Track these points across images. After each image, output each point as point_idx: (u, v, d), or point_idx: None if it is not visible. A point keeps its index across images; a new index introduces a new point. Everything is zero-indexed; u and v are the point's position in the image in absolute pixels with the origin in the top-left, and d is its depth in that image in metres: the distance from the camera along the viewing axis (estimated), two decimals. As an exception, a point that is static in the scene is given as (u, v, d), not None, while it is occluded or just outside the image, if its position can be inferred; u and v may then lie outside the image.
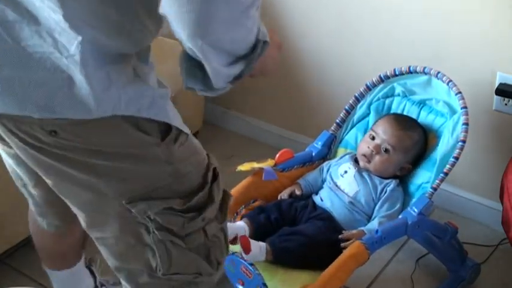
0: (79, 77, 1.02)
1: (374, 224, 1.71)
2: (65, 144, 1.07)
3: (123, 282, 1.28)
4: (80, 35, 1.00)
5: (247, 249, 1.55)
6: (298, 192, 1.82)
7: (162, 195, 1.14)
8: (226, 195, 1.24)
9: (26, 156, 1.13)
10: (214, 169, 1.21)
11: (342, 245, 1.63)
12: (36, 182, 1.34)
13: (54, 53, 1.01)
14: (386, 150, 1.79)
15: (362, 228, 1.70)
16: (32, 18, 1.01)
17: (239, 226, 1.66)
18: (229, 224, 1.61)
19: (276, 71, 1.26)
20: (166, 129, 1.12)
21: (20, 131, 1.08)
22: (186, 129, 1.17)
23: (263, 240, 1.63)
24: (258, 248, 1.59)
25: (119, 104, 1.05)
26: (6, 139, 1.14)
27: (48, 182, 1.18)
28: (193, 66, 1.08)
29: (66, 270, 1.68)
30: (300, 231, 1.66)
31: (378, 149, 1.79)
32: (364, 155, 1.80)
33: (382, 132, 1.81)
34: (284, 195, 1.82)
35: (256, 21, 1.05)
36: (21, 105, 1.04)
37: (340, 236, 1.66)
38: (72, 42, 1.00)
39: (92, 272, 1.79)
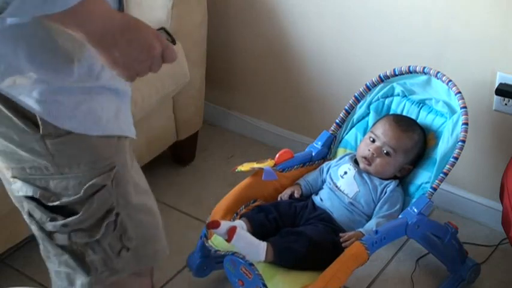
0: None
1: (372, 225, 1.71)
2: None
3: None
4: None
5: (230, 235, 1.55)
6: (297, 195, 1.82)
7: (36, 183, 1.14)
8: (108, 214, 1.19)
9: None
10: (102, 186, 1.15)
11: (344, 244, 1.63)
12: None
13: None
14: (387, 153, 1.79)
15: (360, 229, 1.70)
16: None
17: (237, 223, 1.65)
18: (227, 222, 1.62)
19: (127, 74, 1.05)
20: (43, 124, 1.08)
21: None
22: (96, 131, 1.11)
23: (263, 239, 1.62)
24: (257, 245, 1.59)
25: None
26: None
27: None
28: None
29: None
30: (301, 233, 1.66)
31: (378, 152, 1.79)
32: (365, 158, 1.80)
33: (382, 134, 1.80)
34: (284, 196, 1.82)
35: None
36: None
37: (341, 240, 1.66)
38: None
39: None
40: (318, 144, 1.93)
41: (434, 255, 1.89)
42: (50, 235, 1.19)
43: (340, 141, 1.95)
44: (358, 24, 2.12)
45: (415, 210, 1.68)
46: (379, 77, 1.91)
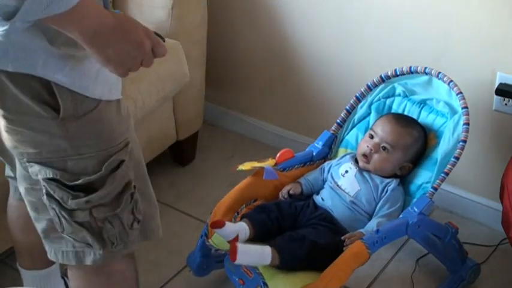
0: None
1: (372, 225, 1.71)
2: None
3: (41, 237, 1.35)
4: None
5: (233, 254, 1.53)
6: (294, 191, 1.81)
7: (55, 165, 1.19)
8: (127, 187, 1.26)
9: None
10: (121, 161, 1.23)
11: (345, 244, 1.63)
12: None
13: None
14: (384, 148, 1.79)
15: (361, 230, 1.70)
16: None
17: (240, 227, 1.65)
18: (230, 224, 1.62)
19: (121, 70, 1.10)
20: (71, 102, 1.14)
21: None
22: (114, 95, 1.19)
23: (265, 239, 1.62)
24: (261, 252, 1.58)
25: (6, 54, 1.05)
26: None
27: None
28: None
29: (36, 271, 1.71)
30: (304, 238, 1.64)
31: (376, 148, 1.80)
32: (364, 155, 1.80)
33: (381, 130, 1.81)
34: (283, 191, 1.82)
35: None
36: None
37: (344, 244, 1.65)
38: None
39: (66, 285, 1.80)
40: (318, 144, 1.93)
41: (434, 255, 1.89)
42: (70, 213, 1.23)
43: (341, 141, 1.95)
44: (359, 24, 2.13)
45: (416, 210, 1.68)
46: (380, 77, 1.91)
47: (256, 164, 1.80)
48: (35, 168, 1.20)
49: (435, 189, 1.71)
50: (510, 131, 1.97)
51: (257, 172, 1.80)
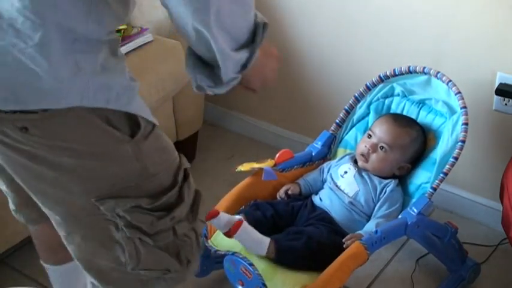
0: (45, 66, 1.01)
1: (371, 226, 1.71)
2: (35, 141, 1.07)
3: (93, 281, 1.28)
4: (45, 20, 0.99)
5: (233, 231, 1.54)
6: (293, 191, 1.81)
7: (131, 193, 1.14)
8: (197, 195, 1.24)
9: None
10: (186, 169, 1.22)
11: (345, 245, 1.63)
12: (6, 178, 1.33)
13: (17, 44, 1.00)
14: (382, 148, 1.79)
15: (360, 231, 1.70)
16: None
17: (236, 219, 1.65)
18: (226, 216, 1.61)
19: (274, 82, 1.27)
20: (136, 125, 1.13)
21: None
22: (156, 122, 1.19)
23: None
24: (260, 239, 1.58)
25: (87, 93, 1.05)
26: None
27: (17, 179, 1.18)
28: (199, 62, 1.11)
29: (61, 265, 1.67)
30: (303, 232, 1.65)
31: (374, 148, 1.80)
32: (362, 154, 1.81)
33: (379, 130, 1.81)
34: (281, 192, 1.82)
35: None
36: None
37: (344, 246, 1.65)
38: (37, 29, 0.99)
39: None
40: (318, 144, 1.93)
41: (434, 255, 1.89)
42: (154, 238, 1.19)
43: (340, 141, 1.95)
44: (358, 24, 2.12)
45: (415, 210, 1.68)
46: (379, 77, 1.91)
47: (256, 165, 1.80)
48: (109, 204, 1.14)
49: (434, 189, 1.71)
50: (510, 131, 1.97)
51: (256, 173, 1.80)
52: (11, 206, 1.47)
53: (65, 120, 1.06)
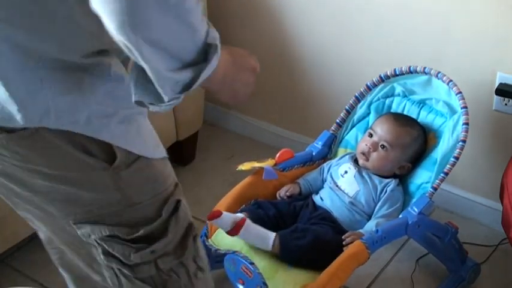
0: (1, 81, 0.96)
1: (371, 225, 1.71)
2: (5, 161, 1.03)
3: None
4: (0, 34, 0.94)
5: (237, 228, 1.52)
6: (292, 192, 1.81)
7: (108, 221, 1.08)
8: (189, 229, 1.16)
9: None
10: (178, 201, 1.13)
11: (344, 243, 1.63)
12: None
13: None
14: (383, 147, 1.79)
15: (360, 230, 1.70)
16: None
17: (238, 217, 1.64)
18: (228, 214, 1.61)
19: (248, 96, 1.12)
20: (118, 152, 1.04)
21: None
22: (157, 154, 1.10)
23: None
24: (265, 235, 1.58)
25: (47, 114, 0.98)
26: None
27: (1, 196, 1.14)
28: (143, 76, 0.95)
29: None
30: (311, 230, 1.65)
31: (375, 146, 1.80)
32: (363, 153, 1.81)
33: (380, 129, 1.81)
34: (281, 192, 1.82)
35: (199, 17, 0.92)
36: None
37: (344, 242, 1.65)
38: None
39: None
40: (318, 144, 1.93)
41: (434, 255, 1.89)
42: (133, 269, 1.12)
43: (340, 141, 1.95)
44: (359, 24, 2.13)
45: (416, 209, 1.68)
46: (380, 77, 1.91)
47: (256, 164, 1.80)
48: (86, 230, 1.08)
49: (435, 189, 1.71)
50: (510, 131, 1.97)
51: (257, 172, 1.80)
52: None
53: (32, 142, 1.00)
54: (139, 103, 0.99)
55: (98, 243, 1.10)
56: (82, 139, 1.01)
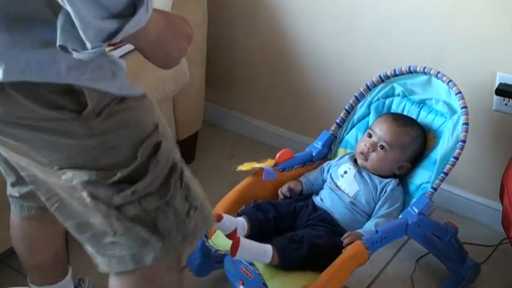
0: None
1: (371, 225, 1.71)
2: None
3: (89, 248, 1.27)
4: None
5: (233, 250, 1.53)
6: (295, 187, 1.81)
7: (89, 166, 1.12)
8: (174, 169, 1.19)
9: None
10: (157, 143, 1.15)
11: (344, 244, 1.63)
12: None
13: None
14: (382, 147, 1.79)
15: (359, 230, 1.70)
16: None
17: (238, 222, 1.65)
18: (229, 217, 1.61)
19: (178, 63, 1.15)
20: (89, 101, 1.08)
21: None
22: (133, 91, 1.14)
23: (261, 238, 1.62)
24: (262, 250, 1.58)
25: (28, 67, 1.03)
26: None
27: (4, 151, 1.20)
28: (70, 21, 0.97)
29: (48, 286, 1.66)
30: (304, 239, 1.64)
31: (374, 146, 1.80)
32: (362, 153, 1.81)
33: (379, 129, 1.81)
34: (284, 188, 1.81)
35: None
36: None
37: (344, 243, 1.65)
38: None
39: None
40: (318, 144, 1.93)
41: (434, 255, 1.89)
42: (119, 210, 1.16)
43: (340, 141, 1.95)
44: (359, 24, 2.13)
45: (416, 210, 1.68)
46: (380, 77, 1.91)
47: (256, 165, 1.80)
48: (68, 175, 1.13)
49: (435, 189, 1.71)
50: (510, 131, 1.97)
51: (257, 172, 1.80)
52: (9, 192, 1.47)
53: (3, 97, 1.06)
54: (63, 48, 1.00)
55: (82, 187, 1.14)
56: (45, 92, 1.05)
